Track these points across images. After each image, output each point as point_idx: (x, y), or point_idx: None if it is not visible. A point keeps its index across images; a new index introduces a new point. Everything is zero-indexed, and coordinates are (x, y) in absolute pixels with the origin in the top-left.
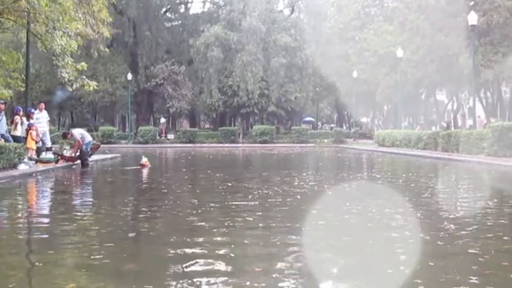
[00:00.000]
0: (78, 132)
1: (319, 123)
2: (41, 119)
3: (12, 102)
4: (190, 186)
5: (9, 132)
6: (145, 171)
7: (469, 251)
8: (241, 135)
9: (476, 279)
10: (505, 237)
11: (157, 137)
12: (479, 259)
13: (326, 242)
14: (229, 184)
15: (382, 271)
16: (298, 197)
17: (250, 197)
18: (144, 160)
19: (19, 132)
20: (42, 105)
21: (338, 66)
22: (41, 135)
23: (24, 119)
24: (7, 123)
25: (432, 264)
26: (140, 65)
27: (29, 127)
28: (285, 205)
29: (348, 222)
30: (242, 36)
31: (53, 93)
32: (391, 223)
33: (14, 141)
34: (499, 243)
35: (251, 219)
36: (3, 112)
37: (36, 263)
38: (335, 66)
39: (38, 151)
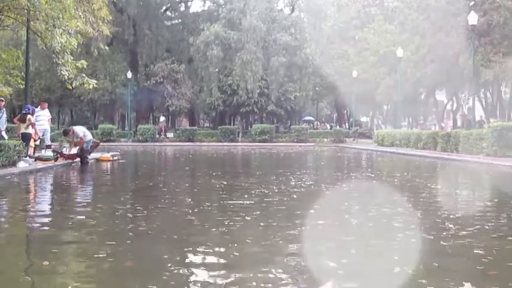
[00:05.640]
0: (80, 130)
1: (317, 123)
2: (42, 116)
3: (12, 100)
4: (188, 185)
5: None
6: (143, 169)
7: (474, 251)
8: (240, 134)
9: (481, 280)
10: (509, 238)
11: (157, 136)
12: (483, 259)
13: (327, 241)
14: (226, 183)
15: (387, 271)
16: (298, 196)
17: (247, 196)
18: (107, 155)
19: (30, 130)
20: (46, 104)
21: (338, 66)
22: (40, 134)
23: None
24: (10, 121)
25: (437, 264)
26: (140, 63)
27: None
28: (283, 204)
29: (348, 222)
30: (242, 35)
31: (53, 91)
32: (392, 223)
33: (25, 139)
34: (503, 243)
35: (249, 218)
36: (3, 109)
37: (44, 263)
38: (335, 66)
39: (37, 149)
